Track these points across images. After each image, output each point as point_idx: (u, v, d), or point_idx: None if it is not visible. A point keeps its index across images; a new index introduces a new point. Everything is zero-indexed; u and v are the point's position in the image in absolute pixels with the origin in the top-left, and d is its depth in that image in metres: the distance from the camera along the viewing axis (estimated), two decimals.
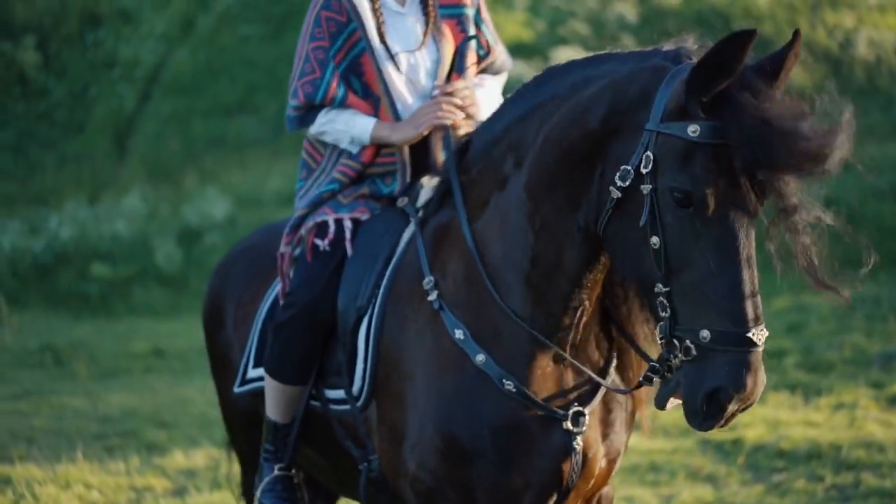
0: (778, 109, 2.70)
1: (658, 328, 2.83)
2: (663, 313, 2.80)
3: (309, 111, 3.55)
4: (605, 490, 3.41)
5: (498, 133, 3.20)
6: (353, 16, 3.52)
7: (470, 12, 3.63)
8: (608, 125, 2.90)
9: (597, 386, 3.18)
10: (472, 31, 3.63)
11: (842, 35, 14.76)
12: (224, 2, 17.37)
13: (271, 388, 3.57)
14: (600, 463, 3.24)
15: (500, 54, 3.72)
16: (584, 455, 3.17)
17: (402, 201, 3.48)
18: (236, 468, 4.42)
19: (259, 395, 3.71)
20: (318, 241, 3.51)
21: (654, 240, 2.78)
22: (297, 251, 3.59)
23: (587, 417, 3.14)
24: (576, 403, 3.14)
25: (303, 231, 3.57)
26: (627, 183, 2.83)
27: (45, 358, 9.67)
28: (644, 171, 2.79)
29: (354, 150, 3.55)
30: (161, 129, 16.22)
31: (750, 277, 2.72)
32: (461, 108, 3.49)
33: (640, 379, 3.04)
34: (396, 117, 3.53)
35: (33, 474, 6.13)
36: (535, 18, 15.83)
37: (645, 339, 3.17)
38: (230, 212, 12.99)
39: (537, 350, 3.11)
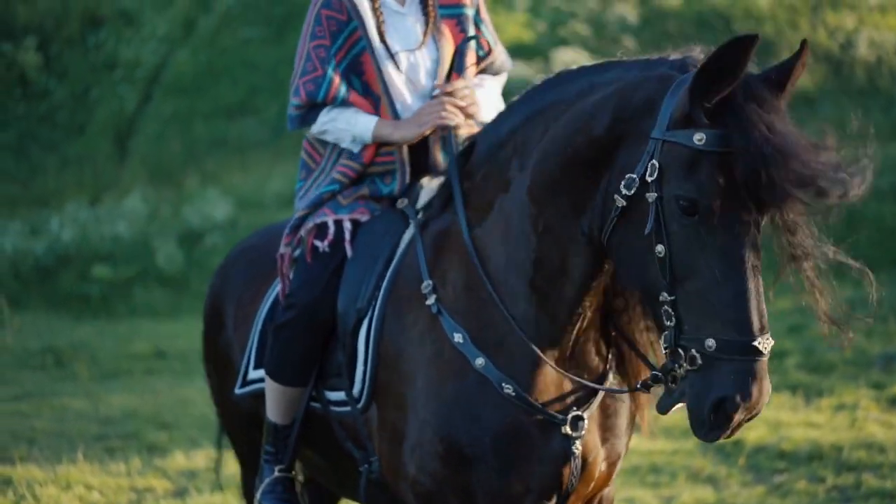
0: (786, 127, 2.70)
1: (663, 337, 2.81)
2: (668, 322, 2.78)
3: (311, 110, 3.54)
4: (607, 491, 3.41)
5: (503, 135, 3.20)
6: (354, 14, 3.52)
7: (469, 12, 3.63)
8: (613, 132, 2.89)
9: (595, 390, 3.18)
10: (471, 31, 3.63)
11: (843, 36, 14.76)
12: (225, 3, 17.37)
13: (271, 389, 3.57)
14: (600, 467, 3.24)
15: (500, 55, 3.72)
16: (584, 459, 3.16)
17: (402, 203, 3.48)
18: (234, 467, 4.42)
19: (260, 396, 3.70)
20: (318, 243, 3.51)
21: (660, 248, 2.77)
22: (297, 252, 3.59)
23: (586, 422, 3.14)
24: (574, 408, 3.14)
25: (302, 232, 3.57)
26: (633, 191, 2.82)
27: (46, 359, 9.67)
28: (649, 179, 2.78)
29: (356, 149, 3.54)
30: (162, 131, 16.22)
31: (755, 286, 2.71)
32: (462, 108, 3.49)
33: (638, 385, 3.05)
34: (396, 116, 3.53)
35: (34, 475, 6.13)
36: (536, 19, 15.83)
37: (644, 346, 3.16)
38: (231, 213, 12.99)
39: (537, 355, 3.10)
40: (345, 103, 3.52)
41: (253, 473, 3.96)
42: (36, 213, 14.22)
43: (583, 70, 3.10)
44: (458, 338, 3.14)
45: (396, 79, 3.54)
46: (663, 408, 2.85)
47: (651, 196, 2.78)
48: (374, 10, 3.54)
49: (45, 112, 17.07)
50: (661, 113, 2.80)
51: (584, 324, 3.11)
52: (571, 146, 2.98)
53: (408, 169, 3.54)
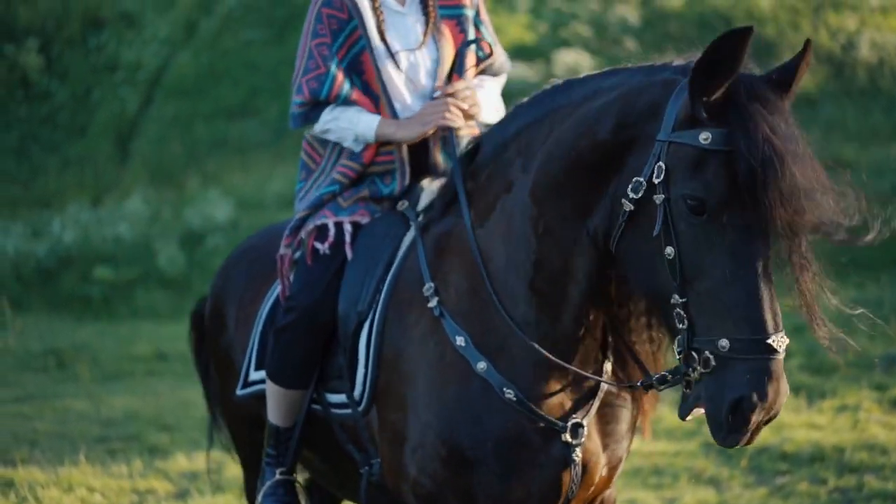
0: (790, 129, 2.69)
1: (676, 341, 2.78)
2: (680, 325, 2.76)
3: (314, 108, 3.54)
4: (608, 493, 3.40)
5: (509, 137, 3.20)
6: (354, 13, 3.52)
7: (469, 13, 3.63)
8: (618, 137, 2.89)
9: (595, 395, 3.17)
10: (471, 32, 3.63)
11: (844, 37, 14.76)
12: (226, 5, 17.38)
13: (272, 392, 3.56)
14: (601, 472, 3.23)
15: (500, 56, 3.72)
16: (585, 465, 3.16)
17: (403, 205, 3.48)
18: (235, 469, 4.41)
19: (261, 397, 3.70)
20: (319, 245, 3.51)
21: (669, 250, 2.75)
22: (298, 254, 3.59)
23: (585, 429, 3.13)
24: (574, 414, 3.13)
25: (303, 234, 3.57)
26: (640, 194, 2.81)
27: (47, 361, 9.68)
28: (656, 181, 2.78)
29: (358, 148, 3.54)
30: (163, 132, 16.22)
31: (767, 283, 2.69)
32: (463, 110, 3.49)
33: (640, 383, 3.03)
34: (394, 116, 3.53)
35: (36, 477, 6.13)
36: (538, 21, 15.83)
37: (646, 357, 3.14)
38: (232, 214, 12.99)
39: (539, 359, 3.09)
40: (348, 101, 3.51)
41: (255, 475, 3.95)
42: (37, 214, 14.22)
43: (588, 77, 3.11)
44: (460, 341, 3.14)
45: (396, 78, 3.54)
46: (682, 413, 2.81)
47: (658, 198, 2.77)
48: (375, 9, 3.54)
49: (46, 113, 17.07)
50: (665, 116, 2.79)
51: (587, 330, 3.10)
52: (575, 149, 2.98)
53: (407, 168, 3.54)
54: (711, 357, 2.70)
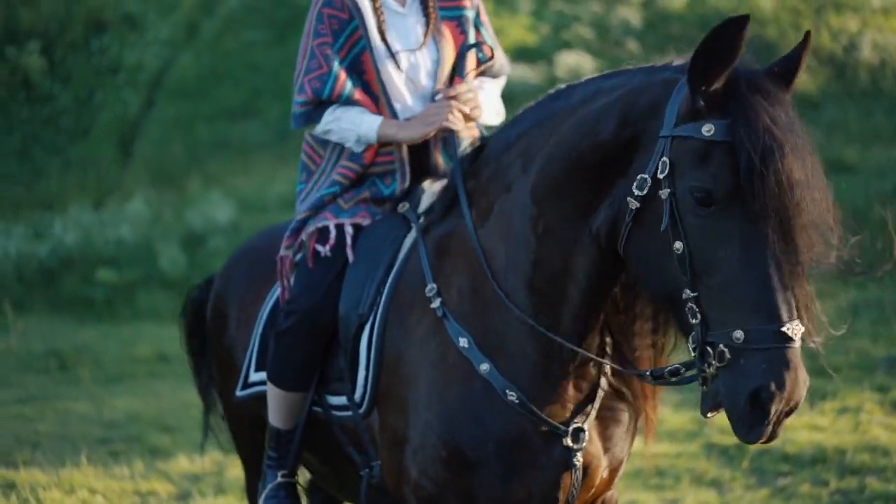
0: (791, 123, 2.69)
1: (690, 337, 2.75)
2: (693, 320, 2.73)
3: (316, 107, 3.53)
4: (609, 494, 3.40)
5: (512, 139, 3.20)
6: (355, 13, 3.52)
7: (470, 14, 3.64)
8: (620, 137, 2.89)
9: (594, 398, 3.16)
10: (472, 33, 3.63)
11: (846, 38, 14.75)
12: (228, 7, 17.39)
13: (273, 394, 3.56)
14: (602, 474, 3.24)
15: (500, 58, 3.72)
16: (586, 468, 3.16)
17: (403, 207, 3.48)
18: (237, 471, 4.41)
19: (262, 398, 3.70)
20: (319, 247, 3.51)
21: (678, 245, 2.73)
22: (299, 256, 3.59)
23: (587, 433, 3.13)
24: (575, 417, 3.13)
25: (303, 236, 3.57)
26: (645, 191, 2.81)
27: (49, 363, 9.68)
28: (661, 176, 2.77)
29: (359, 149, 3.54)
30: (165, 134, 16.24)
31: (779, 272, 2.64)
32: (465, 113, 3.49)
33: (648, 372, 3.01)
34: (394, 116, 3.53)
35: (38, 479, 6.13)
36: (539, 22, 15.83)
37: (648, 363, 3.13)
38: (234, 216, 12.99)
39: (542, 361, 3.09)
40: (350, 101, 3.51)
41: (256, 476, 3.96)
42: (39, 216, 14.23)
43: (590, 79, 3.11)
44: (463, 342, 3.13)
45: (396, 78, 3.54)
46: (704, 411, 2.77)
47: (664, 193, 2.76)
48: (375, 9, 3.54)
49: (48, 116, 17.09)
50: (666, 113, 2.79)
51: (587, 330, 3.09)
52: (576, 150, 2.98)
53: (408, 169, 3.54)
54: (726, 350, 2.66)
